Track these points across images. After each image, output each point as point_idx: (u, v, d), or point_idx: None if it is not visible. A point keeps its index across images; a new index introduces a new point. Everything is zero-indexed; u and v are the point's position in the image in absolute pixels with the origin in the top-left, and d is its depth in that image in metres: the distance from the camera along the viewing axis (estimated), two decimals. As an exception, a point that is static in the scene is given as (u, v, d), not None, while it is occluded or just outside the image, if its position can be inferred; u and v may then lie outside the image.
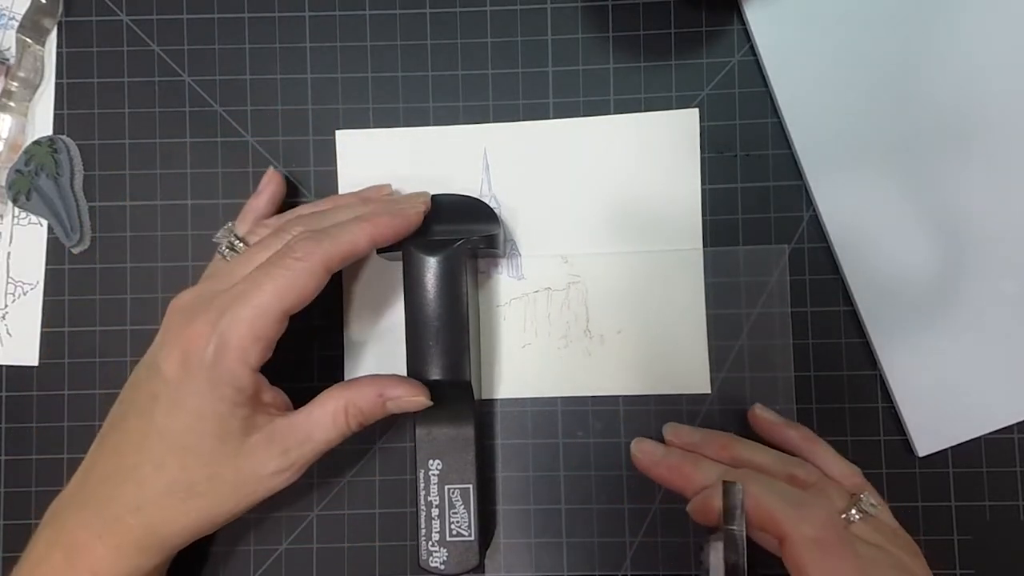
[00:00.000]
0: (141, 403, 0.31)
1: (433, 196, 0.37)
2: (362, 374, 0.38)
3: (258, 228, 0.35)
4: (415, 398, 0.33)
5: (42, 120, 0.40)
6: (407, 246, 0.34)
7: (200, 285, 0.33)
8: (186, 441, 0.30)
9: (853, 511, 0.31)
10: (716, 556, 0.28)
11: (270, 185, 0.38)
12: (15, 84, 0.39)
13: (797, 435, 0.35)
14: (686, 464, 0.34)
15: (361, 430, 0.33)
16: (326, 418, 0.32)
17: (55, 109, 0.40)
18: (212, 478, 0.30)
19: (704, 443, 0.35)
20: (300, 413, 0.32)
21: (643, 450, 0.36)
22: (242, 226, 0.36)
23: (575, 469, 0.38)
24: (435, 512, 0.35)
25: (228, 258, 0.34)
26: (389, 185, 0.38)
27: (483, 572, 0.36)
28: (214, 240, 0.35)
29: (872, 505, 0.32)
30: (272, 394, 0.32)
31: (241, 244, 0.34)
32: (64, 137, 0.40)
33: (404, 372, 0.34)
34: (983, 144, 0.37)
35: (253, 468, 0.31)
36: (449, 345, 0.34)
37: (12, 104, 0.39)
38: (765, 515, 0.28)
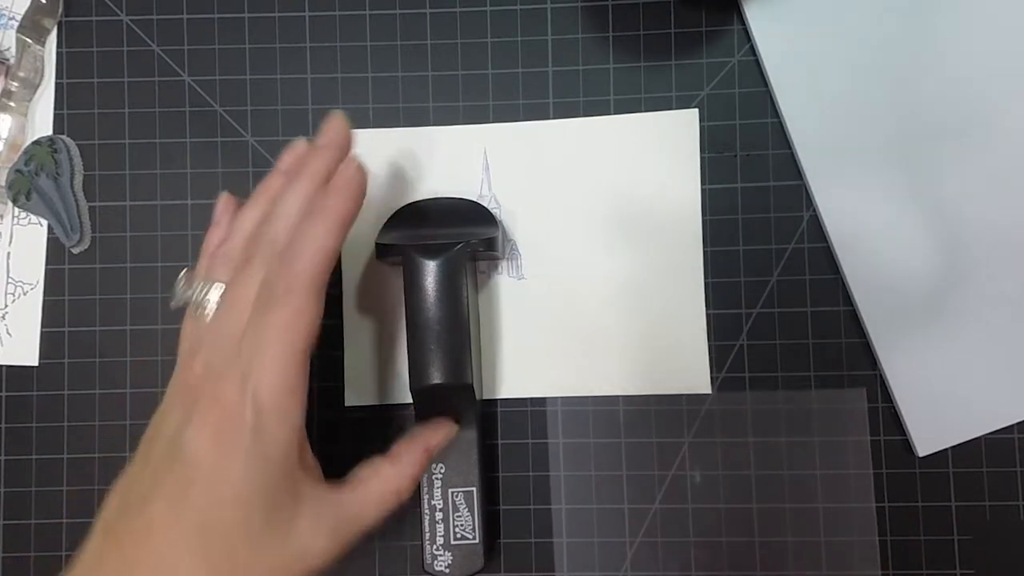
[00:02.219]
0: (169, 489, 0.27)
1: (431, 200, 0.37)
2: (363, 376, 0.39)
3: (217, 265, 0.32)
4: (452, 435, 0.34)
5: (42, 120, 0.40)
6: (406, 250, 0.34)
7: (203, 354, 0.29)
8: (233, 525, 0.27)
9: None
10: None
11: (225, 215, 0.34)
12: (15, 84, 0.39)
13: None
14: None
15: None
16: (376, 497, 0.30)
17: (55, 109, 0.40)
18: (251, 566, 0.27)
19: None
20: (347, 489, 0.30)
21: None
22: (205, 264, 0.33)
23: (575, 469, 0.38)
24: (439, 516, 0.35)
25: (209, 315, 0.30)
26: (341, 113, 0.33)
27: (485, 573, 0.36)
28: (174, 305, 0.32)
29: None
30: (311, 456, 0.30)
31: (210, 288, 0.31)
32: (64, 137, 0.40)
33: (405, 375, 0.34)
34: (983, 144, 0.37)
35: (302, 549, 0.28)
36: (450, 349, 0.34)
37: (12, 104, 0.39)
38: None
